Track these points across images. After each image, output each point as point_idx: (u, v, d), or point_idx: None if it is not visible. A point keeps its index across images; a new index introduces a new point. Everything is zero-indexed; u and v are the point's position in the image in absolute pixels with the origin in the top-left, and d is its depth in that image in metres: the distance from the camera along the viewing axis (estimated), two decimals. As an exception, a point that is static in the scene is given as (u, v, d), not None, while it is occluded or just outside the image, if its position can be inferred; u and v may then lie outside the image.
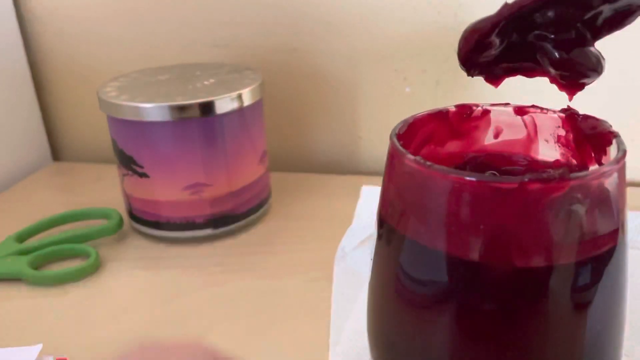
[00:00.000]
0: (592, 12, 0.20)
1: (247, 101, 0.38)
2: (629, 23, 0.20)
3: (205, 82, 0.39)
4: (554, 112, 0.23)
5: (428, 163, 0.19)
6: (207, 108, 0.36)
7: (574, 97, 0.22)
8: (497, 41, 0.21)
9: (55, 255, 0.38)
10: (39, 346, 0.27)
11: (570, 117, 0.23)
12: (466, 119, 0.24)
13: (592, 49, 0.21)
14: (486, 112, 0.24)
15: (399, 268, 0.21)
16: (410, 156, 0.19)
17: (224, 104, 0.37)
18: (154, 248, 0.39)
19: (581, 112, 0.23)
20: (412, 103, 0.48)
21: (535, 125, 0.24)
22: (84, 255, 0.38)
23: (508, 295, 0.19)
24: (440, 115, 0.24)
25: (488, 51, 0.21)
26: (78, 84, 0.54)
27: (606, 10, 0.20)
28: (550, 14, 0.20)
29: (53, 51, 0.53)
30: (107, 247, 0.39)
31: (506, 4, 0.20)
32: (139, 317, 0.33)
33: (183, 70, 0.42)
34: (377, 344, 0.24)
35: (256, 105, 0.39)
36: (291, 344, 0.30)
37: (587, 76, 0.21)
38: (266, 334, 0.31)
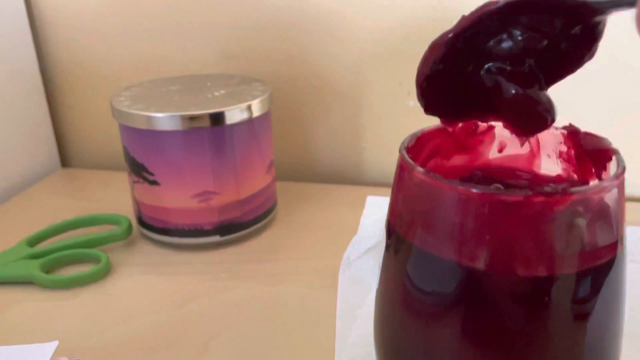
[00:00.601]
0: (547, 41, 0.20)
1: (256, 112, 0.39)
2: (581, 64, 0.21)
3: (216, 93, 0.40)
4: (557, 128, 0.24)
5: (437, 176, 0.20)
6: (217, 118, 0.37)
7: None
8: (455, 63, 0.21)
9: (66, 260, 0.39)
10: (55, 343, 0.28)
11: (572, 134, 0.24)
12: (472, 133, 0.25)
13: (545, 92, 0.21)
14: (491, 128, 0.25)
15: (406, 276, 0.22)
16: (420, 169, 0.20)
17: (234, 115, 0.38)
18: (162, 254, 0.40)
19: (582, 129, 0.24)
20: (414, 117, 0.49)
21: (538, 141, 0.25)
22: (95, 259, 0.38)
23: (512, 303, 0.20)
24: (447, 130, 0.25)
25: (447, 74, 0.21)
26: (88, 92, 0.55)
27: (562, 43, 0.20)
28: (506, 42, 0.20)
29: (63, 58, 0.54)
30: (116, 253, 0.40)
31: (464, 17, 0.20)
32: (148, 321, 0.33)
33: (194, 81, 0.43)
34: (384, 350, 0.25)
35: (264, 116, 0.40)
36: (297, 351, 0.31)
37: (541, 117, 0.21)
38: (272, 340, 0.32)
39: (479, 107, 0.22)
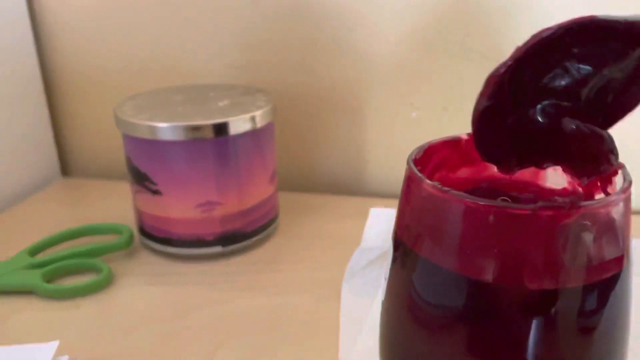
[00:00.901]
0: (603, 73, 0.19)
1: (259, 123, 0.39)
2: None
3: (220, 104, 0.40)
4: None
5: (445, 189, 0.20)
6: (221, 129, 0.37)
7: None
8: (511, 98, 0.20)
9: (68, 269, 0.38)
10: (55, 343, 0.28)
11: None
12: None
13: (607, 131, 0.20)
14: (496, 141, 0.25)
15: (414, 288, 0.22)
16: (428, 181, 0.20)
17: (238, 125, 0.38)
18: (164, 264, 0.40)
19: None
20: (417, 128, 0.49)
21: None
22: (96, 269, 0.38)
23: (519, 315, 0.20)
24: (453, 143, 0.25)
25: (504, 108, 0.19)
26: (89, 100, 0.55)
27: (619, 74, 0.19)
28: (562, 76, 0.19)
29: (65, 66, 0.54)
30: (117, 263, 0.40)
31: (518, 47, 0.20)
32: (150, 331, 0.33)
33: (197, 91, 0.43)
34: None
35: (268, 127, 0.41)
36: (300, 361, 0.31)
37: (605, 156, 0.20)
38: (275, 351, 0.32)
39: (536, 150, 0.21)
